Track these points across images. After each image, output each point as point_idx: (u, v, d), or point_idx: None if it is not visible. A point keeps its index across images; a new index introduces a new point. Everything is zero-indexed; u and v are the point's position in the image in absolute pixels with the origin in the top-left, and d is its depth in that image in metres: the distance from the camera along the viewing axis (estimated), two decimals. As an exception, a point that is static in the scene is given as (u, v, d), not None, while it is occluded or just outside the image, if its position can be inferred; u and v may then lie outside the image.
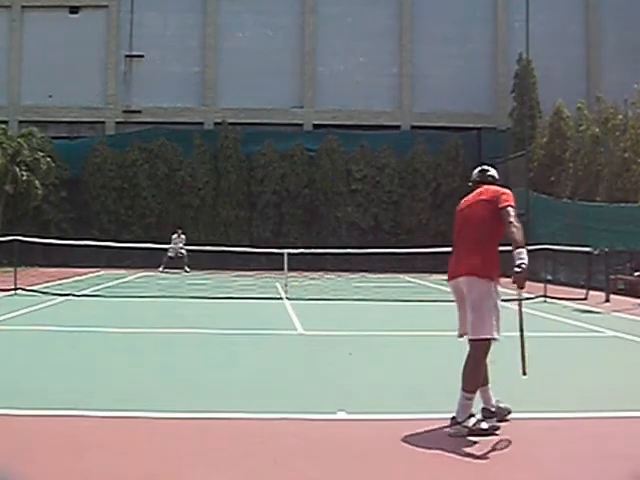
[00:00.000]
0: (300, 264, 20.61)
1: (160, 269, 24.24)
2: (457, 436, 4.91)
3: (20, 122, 29.45)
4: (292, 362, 8.17)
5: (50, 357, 8.21)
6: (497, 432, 4.99)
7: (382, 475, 4.26)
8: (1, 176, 26.35)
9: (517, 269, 4.82)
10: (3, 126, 27.65)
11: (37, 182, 26.66)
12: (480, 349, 5.05)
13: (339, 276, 24.16)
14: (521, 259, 4.82)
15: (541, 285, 15.98)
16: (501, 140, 28.52)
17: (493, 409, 5.20)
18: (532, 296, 14.79)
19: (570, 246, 17.61)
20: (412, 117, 30.99)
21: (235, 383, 6.75)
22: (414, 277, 23.52)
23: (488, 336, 5.01)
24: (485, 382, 5.23)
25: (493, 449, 4.66)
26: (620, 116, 22.59)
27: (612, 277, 16.83)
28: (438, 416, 5.30)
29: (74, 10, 31.08)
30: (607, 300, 15.57)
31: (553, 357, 8.66)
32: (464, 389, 5.02)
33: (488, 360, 5.19)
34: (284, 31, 31.33)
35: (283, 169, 28.94)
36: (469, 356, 5.13)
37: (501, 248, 5.19)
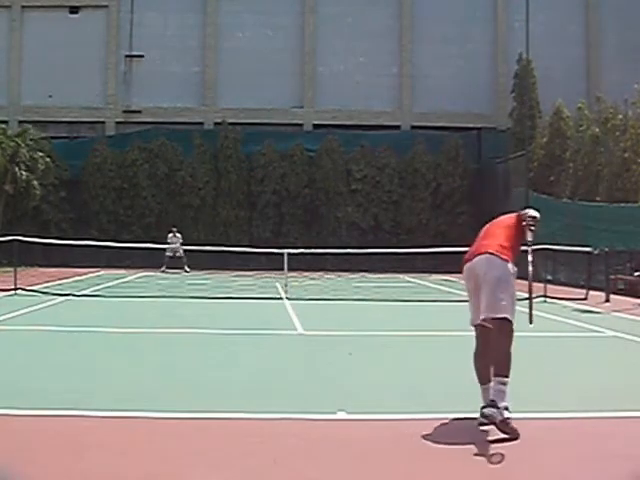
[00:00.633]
0: (300, 264, 20.60)
1: (162, 269, 24.25)
2: (489, 420, 4.86)
3: (20, 122, 29.43)
4: (292, 362, 8.16)
5: (50, 357, 8.21)
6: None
7: (382, 475, 4.25)
8: (1, 176, 26.35)
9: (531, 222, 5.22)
10: (3, 126, 27.64)
11: (35, 182, 26.66)
12: (504, 329, 5.03)
13: (339, 276, 24.15)
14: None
15: (541, 285, 15.95)
16: (501, 140, 28.55)
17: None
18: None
19: (570, 246, 17.59)
20: (412, 117, 31.01)
21: (235, 383, 6.75)
22: (414, 277, 23.44)
23: (507, 315, 5.02)
24: (487, 380, 5.20)
25: (493, 449, 4.65)
26: (620, 116, 22.56)
27: (612, 277, 16.81)
28: (438, 416, 5.31)
29: (74, 10, 31.11)
30: (607, 300, 15.56)
31: (553, 357, 8.67)
32: (498, 374, 4.99)
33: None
34: (284, 31, 31.34)
35: (283, 169, 28.95)
36: (477, 348, 5.19)
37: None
